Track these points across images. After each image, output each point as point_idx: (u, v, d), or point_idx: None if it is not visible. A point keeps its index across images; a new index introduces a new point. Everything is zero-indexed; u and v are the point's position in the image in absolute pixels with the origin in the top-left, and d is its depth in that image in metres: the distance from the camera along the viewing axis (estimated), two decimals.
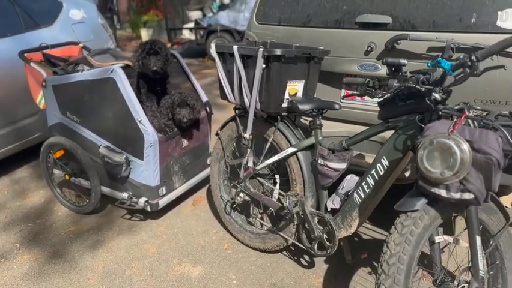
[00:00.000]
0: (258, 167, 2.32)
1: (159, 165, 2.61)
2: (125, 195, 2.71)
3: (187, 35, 10.41)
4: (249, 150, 2.34)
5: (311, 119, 2.11)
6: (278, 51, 1.98)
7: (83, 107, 2.74)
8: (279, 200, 2.30)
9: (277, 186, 2.34)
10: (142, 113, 2.50)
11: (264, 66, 2.03)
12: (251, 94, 2.15)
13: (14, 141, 3.47)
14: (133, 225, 2.81)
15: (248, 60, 2.11)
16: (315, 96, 2.32)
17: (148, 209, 2.66)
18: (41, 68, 2.91)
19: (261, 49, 2.00)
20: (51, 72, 2.92)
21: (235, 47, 2.13)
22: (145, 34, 12.45)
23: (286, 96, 2.15)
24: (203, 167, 3.06)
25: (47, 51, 3.16)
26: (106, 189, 2.83)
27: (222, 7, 9.82)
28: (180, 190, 2.86)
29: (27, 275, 2.35)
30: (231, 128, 2.49)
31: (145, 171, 2.60)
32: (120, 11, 14.36)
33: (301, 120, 2.54)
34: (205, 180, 3.06)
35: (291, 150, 2.16)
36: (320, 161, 2.03)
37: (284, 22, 2.58)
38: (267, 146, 2.28)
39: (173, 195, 2.80)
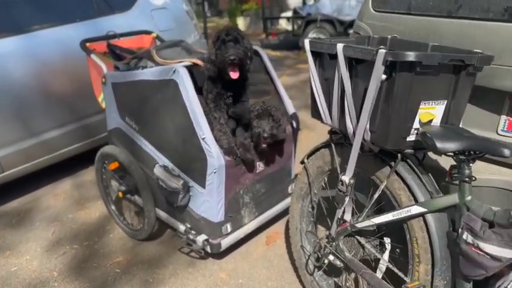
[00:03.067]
0: (358, 224, 1.58)
1: (224, 197, 1.99)
2: (182, 227, 2.16)
3: (283, 25, 9.75)
4: (347, 199, 1.60)
5: (455, 163, 1.32)
6: (411, 56, 1.21)
7: (143, 112, 2.23)
8: (386, 276, 1.54)
9: (387, 253, 1.57)
10: (207, 129, 1.89)
11: (384, 76, 1.28)
12: (358, 117, 1.41)
13: (80, 140, 3.14)
14: (191, 263, 2.24)
15: (358, 66, 1.39)
16: (460, 125, 1.50)
17: (208, 249, 2.08)
18: (101, 62, 2.46)
19: (382, 51, 1.24)
20: (113, 67, 2.46)
21: (339, 46, 1.40)
22: (241, 23, 12.10)
23: (416, 124, 1.37)
24: (282, 197, 2.38)
25: (114, 41, 2.70)
26: (162, 214, 2.31)
27: None
28: (250, 227, 2.23)
29: None
30: (322, 158, 1.77)
31: (207, 202, 2.00)
32: None
33: (434, 161, 1.71)
34: (284, 211, 2.38)
35: (417, 210, 1.38)
36: (468, 237, 1.23)
37: (416, 10, 1.77)
38: (376, 195, 1.52)
39: (240, 233, 2.18)
